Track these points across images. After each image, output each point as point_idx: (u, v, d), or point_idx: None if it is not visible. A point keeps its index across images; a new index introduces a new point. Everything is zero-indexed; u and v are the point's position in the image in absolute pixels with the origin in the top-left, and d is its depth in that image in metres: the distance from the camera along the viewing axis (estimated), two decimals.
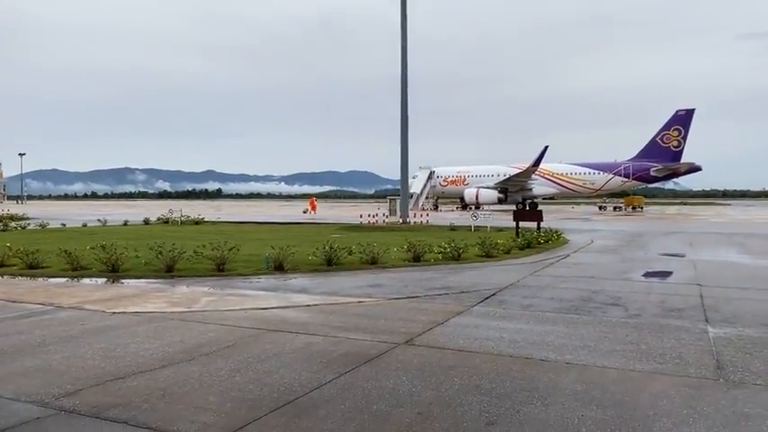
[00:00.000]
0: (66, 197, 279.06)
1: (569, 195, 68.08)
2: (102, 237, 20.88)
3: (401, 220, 33.17)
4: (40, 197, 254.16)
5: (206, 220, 37.75)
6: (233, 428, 4.66)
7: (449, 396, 5.36)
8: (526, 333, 7.74)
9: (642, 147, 61.76)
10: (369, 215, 35.48)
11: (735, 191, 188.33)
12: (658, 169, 59.69)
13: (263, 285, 11.92)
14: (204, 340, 7.37)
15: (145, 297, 10.63)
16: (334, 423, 4.75)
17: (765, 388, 5.61)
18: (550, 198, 69.09)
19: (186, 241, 18.29)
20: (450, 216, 43.16)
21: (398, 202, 36.10)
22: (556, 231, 22.52)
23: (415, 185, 61.48)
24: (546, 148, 55.93)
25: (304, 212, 54.39)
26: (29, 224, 32.46)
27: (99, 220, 34.06)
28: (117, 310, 9.26)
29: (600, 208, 65.12)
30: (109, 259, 13.48)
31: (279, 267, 13.70)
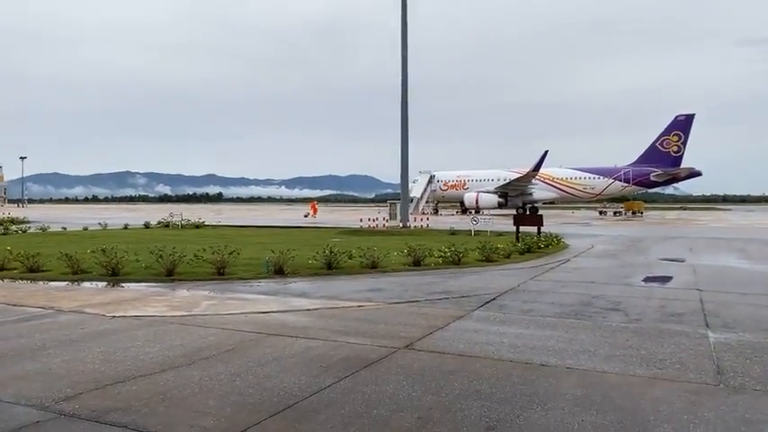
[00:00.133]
0: (66, 201, 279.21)
1: (569, 200, 68.09)
2: (102, 240, 20.89)
3: (401, 225, 33.19)
4: (41, 201, 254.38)
5: (206, 223, 37.73)
6: None
7: (449, 401, 5.36)
8: (526, 338, 7.73)
9: (642, 152, 61.80)
10: (369, 219, 35.50)
11: (735, 196, 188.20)
12: (658, 174, 59.72)
13: (264, 289, 11.92)
14: (204, 344, 7.36)
15: (145, 301, 10.63)
16: (333, 428, 4.75)
17: (766, 393, 5.60)
18: (550, 203, 69.16)
19: (186, 245, 18.30)
20: (450, 220, 43.15)
21: (399, 206, 36.14)
22: (556, 236, 22.51)
23: (416, 190, 61.52)
24: (546, 152, 55.98)
25: (305, 216, 54.39)
26: (29, 228, 32.44)
27: (99, 224, 34.05)
28: (117, 314, 9.25)
29: (600, 213, 65.15)
30: (109, 263, 13.48)
31: (279, 271, 13.70)
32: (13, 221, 36.39)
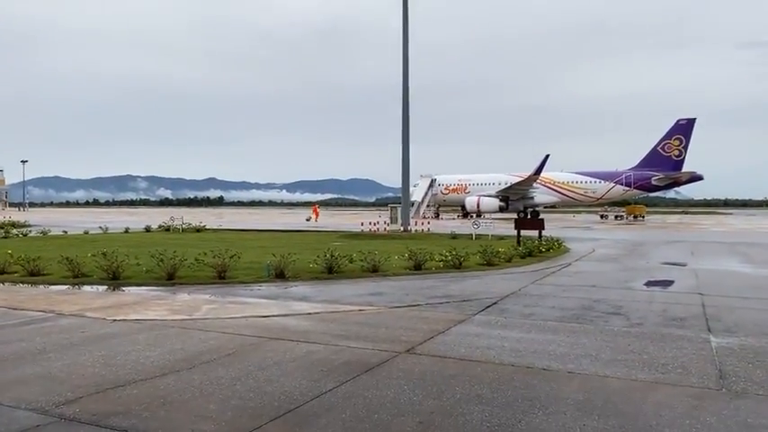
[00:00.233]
0: (67, 204, 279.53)
1: (571, 204, 68.07)
2: (103, 244, 20.90)
3: (402, 228, 33.17)
4: (42, 204, 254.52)
5: (207, 227, 37.76)
6: None
7: (450, 405, 5.34)
8: (528, 342, 7.71)
9: (643, 156, 61.85)
10: (370, 223, 35.48)
11: (736, 200, 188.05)
12: (660, 178, 59.74)
13: (264, 293, 11.91)
14: (205, 348, 7.36)
15: (146, 305, 10.62)
16: None
17: None
18: (552, 207, 69.08)
19: (187, 249, 18.29)
20: (451, 224, 43.14)
21: (399, 210, 36.13)
22: (557, 240, 22.49)
23: (417, 193, 61.48)
24: (547, 156, 56.00)
25: (307, 220, 54.38)
26: (30, 231, 32.50)
27: (100, 228, 34.06)
28: (118, 318, 9.25)
29: (601, 217, 65.06)
30: (110, 267, 13.48)
31: (280, 275, 13.69)
32: (13, 225, 36.42)
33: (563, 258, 19.04)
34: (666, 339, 7.86)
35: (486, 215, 54.52)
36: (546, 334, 8.19)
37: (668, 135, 60.06)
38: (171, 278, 13.24)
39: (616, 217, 64.81)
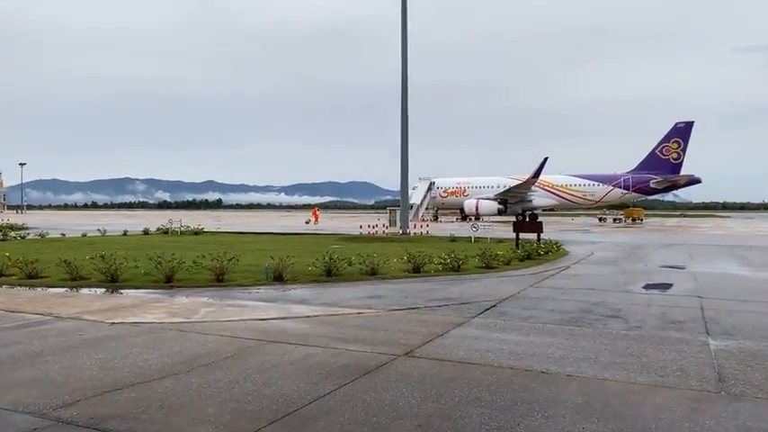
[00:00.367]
0: (66, 207, 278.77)
1: (569, 207, 68.12)
2: (101, 247, 20.86)
3: (401, 231, 33.17)
4: (40, 207, 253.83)
5: (206, 230, 37.73)
6: None
7: (449, 408, 5.33)
8: (526, 345, 7.71)
9: (642, 159, 61.96)
10: (369, 226, 35.48)
11: (734, 203, 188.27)
12: (658, 181, 59.83)
13: (263, 296, 11.89)
14: (203, 351, 7.34)
15: (144, 307, 10.60)
16: None
17: (767, 401, 5.58)
18: (550, 209, 69.15)
19: (186, 251, 18.26)
20: (450, 227, 43.14)
21: (398, 212, 36.14)
22: (556, 243, 22.52)
23: (415, 196, 61.53)
24: (545, 159, 56.03)
25: (307, 222, 54.38)
26: (28, 234, 32.44)
27: (98, 230, 34.04)
28: (116, 321, 9.23)
29: (600, 220, 65.15)
30: (108, 269, 13.46)
31: (278, 278, 13.68)
32: (12, 228, 36.38)
33: (562, 261, 19.05)
34: (665, 342, 7.86)
35: (485, 218, 54.61)
36: (545, 337, 8.19)
37: (666, 138, 60.17)
38: (169, 281, 13.22)
39: (614, 220, 64.89)
